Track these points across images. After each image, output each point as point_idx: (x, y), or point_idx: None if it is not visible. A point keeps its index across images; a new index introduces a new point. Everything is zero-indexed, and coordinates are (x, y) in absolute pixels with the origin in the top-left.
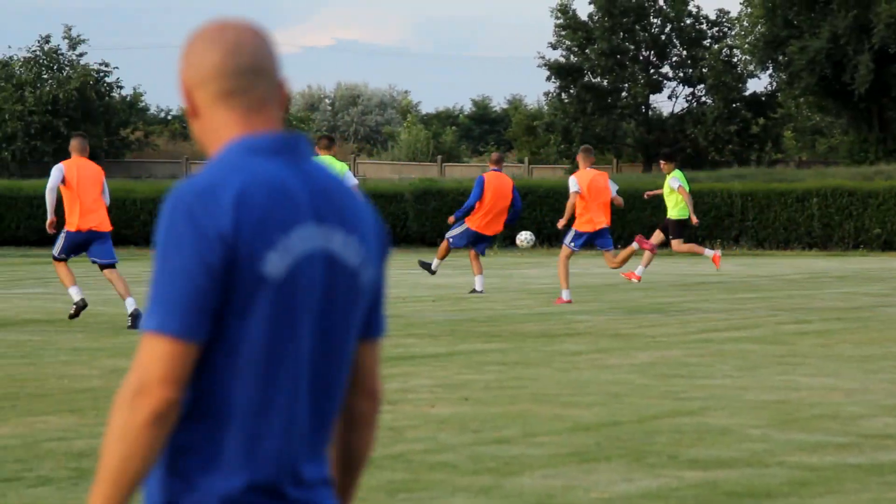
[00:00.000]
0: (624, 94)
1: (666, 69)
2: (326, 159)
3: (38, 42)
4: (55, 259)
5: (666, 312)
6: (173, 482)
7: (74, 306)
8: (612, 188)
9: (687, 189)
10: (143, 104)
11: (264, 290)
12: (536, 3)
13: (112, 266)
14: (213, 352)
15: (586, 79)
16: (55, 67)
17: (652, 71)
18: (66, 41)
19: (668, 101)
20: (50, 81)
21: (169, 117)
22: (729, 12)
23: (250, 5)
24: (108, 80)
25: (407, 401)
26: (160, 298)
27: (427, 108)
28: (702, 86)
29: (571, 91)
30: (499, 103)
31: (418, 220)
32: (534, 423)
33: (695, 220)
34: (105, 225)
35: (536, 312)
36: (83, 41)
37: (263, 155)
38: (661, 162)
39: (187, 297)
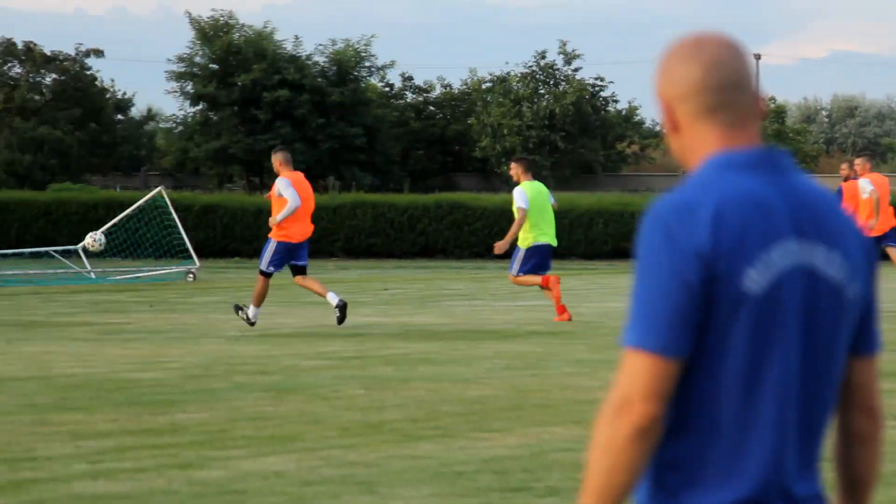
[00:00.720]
0: None
1: None
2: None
3: (535, 57)
4: (264, 273)
5: None
6: (660, 497)
7: (244, 319)
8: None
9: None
10: (639, 118)
11: (745, 307)
12: None
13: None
14: (694, 367)
15: None
16: (551, 83)
17: None
18: (562, 56)
19: None
20: (546, 96)
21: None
22: None
23: (745, 19)
24: (603, 94)
25: None
26: (640, 314)
27: None
28: None
29: None
30: None
31: None
32: None
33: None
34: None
35: None
36: (578, 56)
37: (742, 170)
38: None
39: (666, 314)
